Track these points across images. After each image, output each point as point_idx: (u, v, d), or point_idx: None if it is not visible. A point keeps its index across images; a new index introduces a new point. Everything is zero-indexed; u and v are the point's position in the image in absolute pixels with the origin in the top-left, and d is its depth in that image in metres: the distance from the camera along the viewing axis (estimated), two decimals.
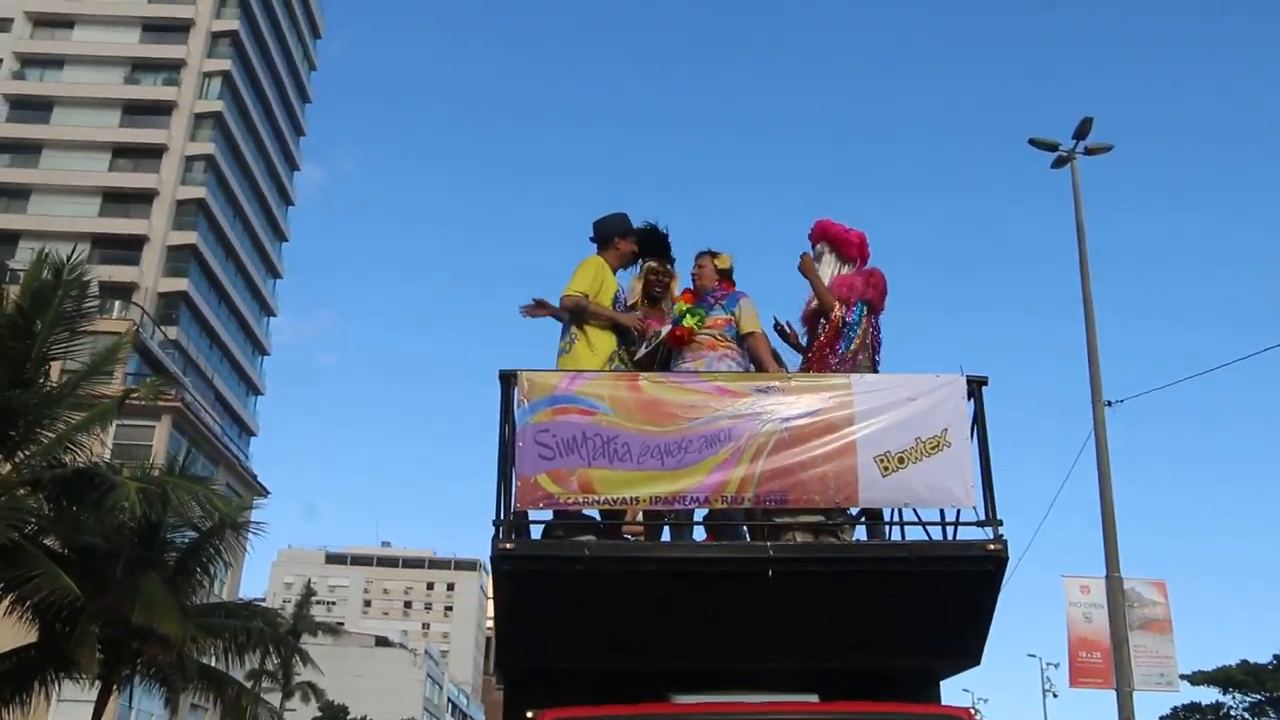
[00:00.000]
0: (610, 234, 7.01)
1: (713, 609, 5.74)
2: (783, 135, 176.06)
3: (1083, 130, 20.29)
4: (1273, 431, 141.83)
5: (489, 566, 5.88)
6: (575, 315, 6.63)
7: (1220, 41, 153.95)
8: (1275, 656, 44.27)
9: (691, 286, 7.14)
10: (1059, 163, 20.62)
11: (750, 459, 5.66)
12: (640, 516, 6.30)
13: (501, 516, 5.61)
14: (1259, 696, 45.30)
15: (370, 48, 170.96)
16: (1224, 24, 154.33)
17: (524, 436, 5.62)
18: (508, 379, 5.80)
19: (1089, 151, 20.44)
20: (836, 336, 6.89)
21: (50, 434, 16.41)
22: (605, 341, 6.63)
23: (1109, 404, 18.49)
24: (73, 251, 16.55)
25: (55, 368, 17.05)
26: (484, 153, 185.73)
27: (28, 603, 16.19)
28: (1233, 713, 46.78)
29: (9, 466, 16.12)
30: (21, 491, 15.75)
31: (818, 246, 7.28)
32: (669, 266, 7.34)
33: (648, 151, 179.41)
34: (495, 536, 5.54)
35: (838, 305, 6.93)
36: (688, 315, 6.76)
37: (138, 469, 18.22)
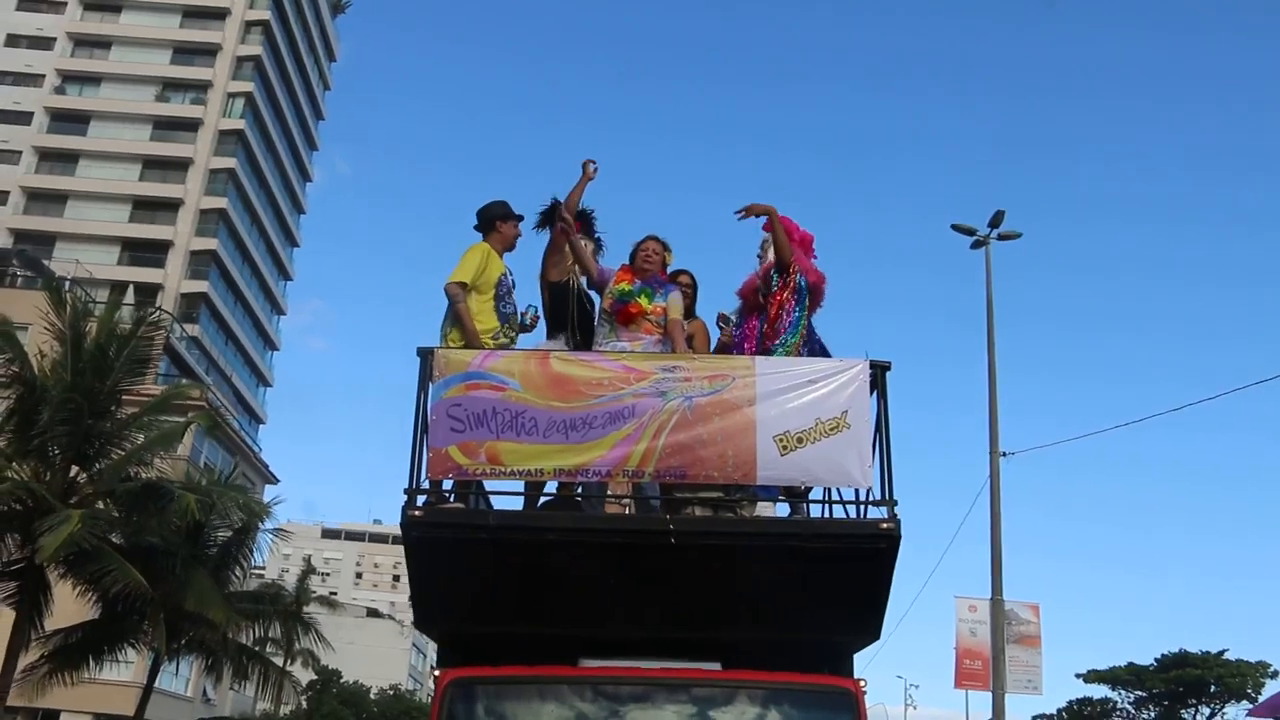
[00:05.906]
0: (491, 218, 6.74)
1: (617, 578, 5.57)
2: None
3: (996, 220, 22.30)
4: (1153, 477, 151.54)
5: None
6: (451, 305, 6.35)
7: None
8: (1155, 659, 46.58)
9: (631, 264, 6.87)
10: (976, 245, 22.69)
11: (652, 435, 5.48)
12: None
13: (413, 485, 5.46)
14: (1141, 693, 47.61)
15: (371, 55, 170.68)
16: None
17: (437, 410, 5.52)
18: (425, 355, 5.69)
19: (1001, 238, 22.54)
20: (780, 313, 6.59)
21: (120, 451, 18.31)
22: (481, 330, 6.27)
23: (1004, 455, 20.63)
24: (153, 306, 18.48)
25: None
26: (473, 149, 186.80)
27: (104, 591, 18.06)
28: (1119, 706, 49.10)
29: (85, 478, 18.02)
30: (101, 504, 17.63)
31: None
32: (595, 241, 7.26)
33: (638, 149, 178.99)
34: (405, 504, 5.38)
35: (793, 267, 6.69)
36: (642, 297, 6.61)
37: (190, 478, 20.17)
